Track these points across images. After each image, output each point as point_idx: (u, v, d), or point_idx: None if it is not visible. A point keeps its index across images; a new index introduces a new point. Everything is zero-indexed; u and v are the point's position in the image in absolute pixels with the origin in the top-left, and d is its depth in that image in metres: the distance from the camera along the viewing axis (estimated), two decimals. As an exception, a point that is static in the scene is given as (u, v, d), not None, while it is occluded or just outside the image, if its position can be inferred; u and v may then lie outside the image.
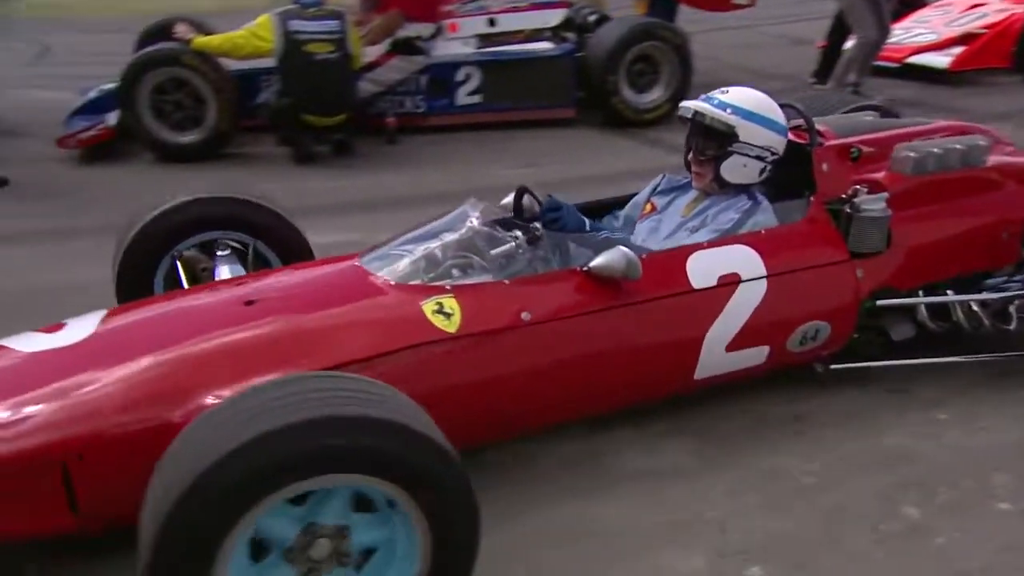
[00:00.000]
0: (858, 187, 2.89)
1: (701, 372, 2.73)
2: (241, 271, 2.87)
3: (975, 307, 3.07)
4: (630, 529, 2.43)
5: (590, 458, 2.74)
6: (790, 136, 2.99)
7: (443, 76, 6.64)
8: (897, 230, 2.93)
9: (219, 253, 2.95)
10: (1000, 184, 3.13)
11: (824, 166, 2.96)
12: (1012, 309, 3.11)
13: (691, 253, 2.69)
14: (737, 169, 2.87)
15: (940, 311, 3.10)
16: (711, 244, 2.73)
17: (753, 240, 2.77)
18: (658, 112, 6.93)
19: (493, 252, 2.55)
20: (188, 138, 5.97)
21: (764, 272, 2.72)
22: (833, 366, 3.01)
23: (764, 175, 2.92)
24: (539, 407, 2.52)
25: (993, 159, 3.16)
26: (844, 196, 2.91)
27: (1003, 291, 3.10)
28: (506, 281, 2.49)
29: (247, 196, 3.04)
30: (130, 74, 5.84)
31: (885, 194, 2.87)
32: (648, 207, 3.09)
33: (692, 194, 3.02)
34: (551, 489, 2.59)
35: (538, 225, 2.61)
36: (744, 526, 2.44)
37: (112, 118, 6.05)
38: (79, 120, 6.19)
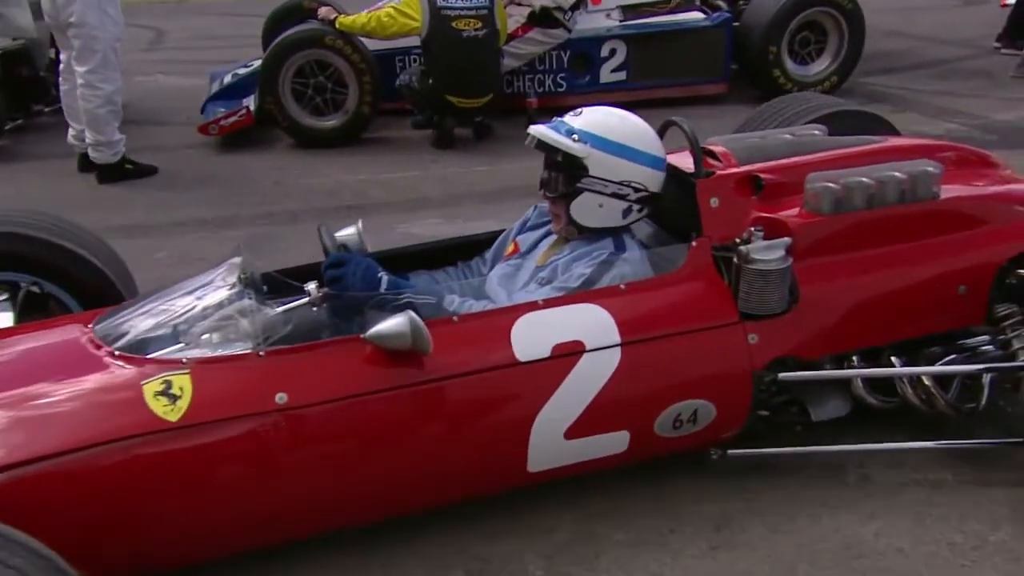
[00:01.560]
0: (753, 229, 2.38)
1: (537, 463, 2.26)
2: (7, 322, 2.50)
3: (927, 381, 2.51)
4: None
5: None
6: (678, 163, 2.52)
7: (586, 51, 6.50)
8: (807, 285, 2.40)
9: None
10: (960, 222, 2.57)
11: (712, 201, 2.45)
12: (984, 381, 2.53)
13: (521, 315, 2.24)
14: (590, 210, 2.40)
15: (883, 383, 2.56)
16: (549, 303, 2.27)
17: (607, 298, 2.29)
18: (825, 85, 6.70)
19: (259, 316, 2.15)
20: (330, 123, 5.99)
21: (617, 339, 2.25)
22: (733, 451, 2.50)
23: (632, 217, 2.44)
24: (292, 514, 2.10)
25: (955, 190, 2.60)
26: (737, 240, 2.40)
27: (969, 360, 2.54)
28: (261, 352, 2.08)
29: (22, 228, 2.65)
30: (273, 57, 5.85)
31: (786, 240, 2.35)
32: (511, 247, 2.67)
33: (552, 238, 2.57)
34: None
35: (311, 288, 2.19)
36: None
37: (250, 102, 6.07)
38: (216, 106, 6.24)
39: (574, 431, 2.24)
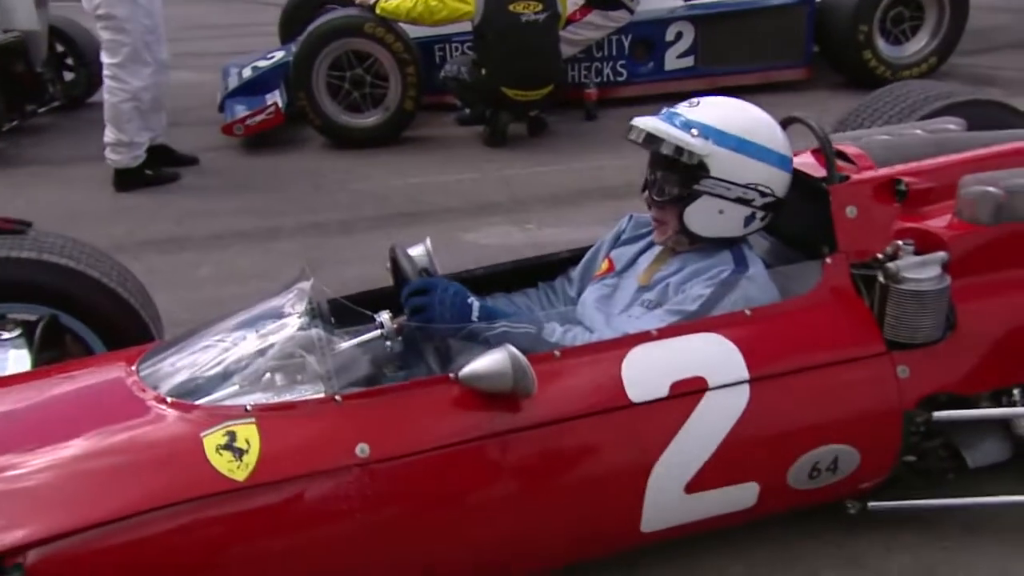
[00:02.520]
0: (901, 243, 2.22)
1: (651, 523, 2.12)
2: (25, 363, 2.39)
3: None
4: None
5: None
6: (801, 166, 2.36)
7: (649, 35, 6.42)
8: (964, 308, 2.24)
9: (3, 336, 2.49)
10: None
11: (849, 210, 2.29)
12: None
13: (632, 348, 2.09)
14: (709, 217, 2.25)
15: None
16: (664, 334, 2.12)
17: (731, 326, 2.14)
18: (922, 68, 6.57)
19: (331, 353, 2.03)
20: (369, 120, 5.90)
21: (745, 375, 2.10)
22: (873, 504, 2.33)
23: (754, 226, 2.28)
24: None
25: None
26: (880, 256, 2.24)
27: None
28: (338, 398, 1.95)
29: (33, 252, 2.55)
30: (306, 47, 5.75)
31: (942, 255, 2.18)
32: (605, 265, 2.53)
33: (655, 251, 2.42)
34: None
35: (385, 319, 2.06)
36: None
37: (276, 98, 5.98)
38: (236, 103, 6.15)
39: (697, 484, 2.09)
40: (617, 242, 2.56)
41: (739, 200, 2.23)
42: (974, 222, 2.28)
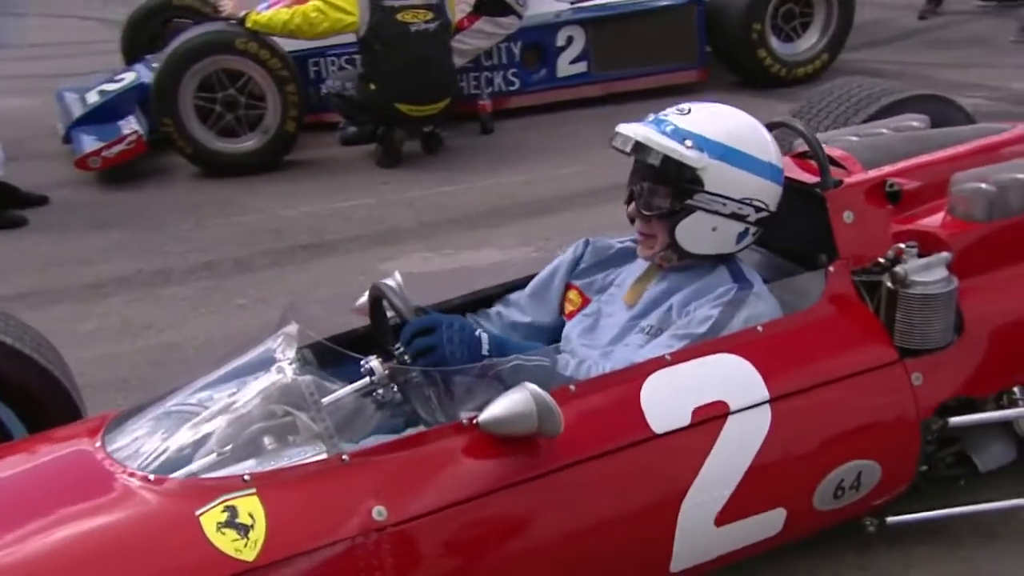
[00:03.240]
0: (903, 245, 2.30)
1: (682, 560, 2.12)
2: None
3: None
4: None
5: None
6: (791, 172, 2.42)
7: (539, 41, 6.48)
8: (969, 308, 2.33)
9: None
10: None
11: (846, 215, 2.37)
12: None
13: (648, 375, 2.09)
14: (701, 234, 2.27)
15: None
16: (678, 358, 2.12)
17: (745, 345, 2.16)
18: (816, 65, 6.91)
19: (325, 403, 1.94)
20: (247, 145, 5.75)
21: (766, 394, 2.13)
22: (892, 519, 2.40)
23: (745, 242, 2.32)
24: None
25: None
26: (882, 261, 2.32)
27: None
28: (344, 457, 1.87)
29: None
30: (169, 68, 5.55)
31: (946, 255, 2.28)
32: (576, 297, 2.50)
33: (639, 266, 2.43)
34: None
35: (375, 365, 1.99)
36: None
37: (132, 125, 5.72)
38: (86, 132, 5.82)
39: (726, 515, 2.11)
40: (575, 272, 2.54)
41: (733, 216, 2.25)
42: (968, 219, 2.40)
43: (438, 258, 4.30)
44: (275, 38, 5.61)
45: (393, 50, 5.41)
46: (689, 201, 2.24)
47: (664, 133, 2.24)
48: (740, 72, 6.93)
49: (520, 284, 2.59)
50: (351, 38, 5.62)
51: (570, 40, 6.54)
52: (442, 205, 5.06)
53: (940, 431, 2.32)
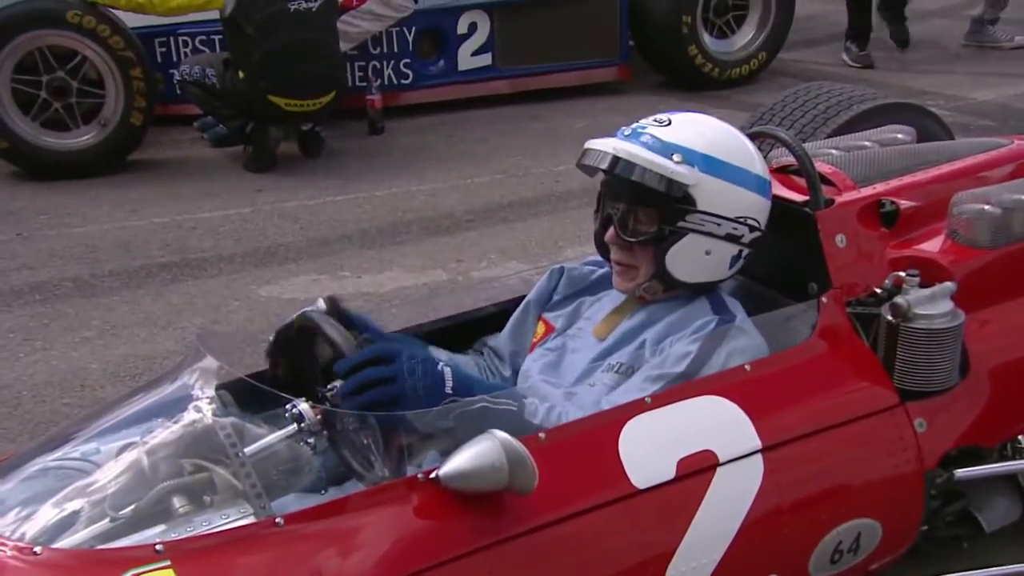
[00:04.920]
0: (902, 273, 2.40)
1: (663, 637, 2.16)
2: None
3: None
4: None
5: None
6: (776, 190, 2.50)
7: (437, 27, 6.52)
8: (975, 345, 2.46)
9: None
10: None
11: (839, 239, 2.46)
12: None
13: (625, 422, 2.13)
14: (694, 260, 2.33)
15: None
16: (659, 401, 2.17)
17: (732, 386, 2.23)
18: (752, 65, 7.14)
19: (249, 454, 1.94)
20: (81, 141, 5.64)
21: (757, 443, 2.20)
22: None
23: (736, 267, 2.40)
24: None
25: None
26: (879, 291, 2.43)
27: None
28: (279, 520, 1.85)
29: None
30: None
31: (950, 284, 2.39)
32: (541, 328, 2.55)
33: (616, 297, 2.48)
34: None
35: (303, 409, 1.99)
36: None
37: None
38: None
39: (715, 582, 2.15)
40: (547, 304, 2.59)
41: (728, 237, 2.32)
42: (971, 245, 2.52)
43: (332, 282, 4.27)
44: (116, 11, 5.54)
45: (267, 32, 5.38)
46: (681, 223, 2.30)
47: (649, 148, 2.29)
48: (667, 71, 7.13)
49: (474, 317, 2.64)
50: (212, 14, 5.59)
51: (473, 27, 6.63)
52: (332, 218, 5.05)
53: (945, 484, 2.41)
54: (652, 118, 2.37)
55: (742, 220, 2.33)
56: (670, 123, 2.34)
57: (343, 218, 5.05)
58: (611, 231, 2.37)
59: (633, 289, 2.41)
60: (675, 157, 2.27)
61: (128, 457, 1.98)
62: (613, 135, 2.36)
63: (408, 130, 6.24)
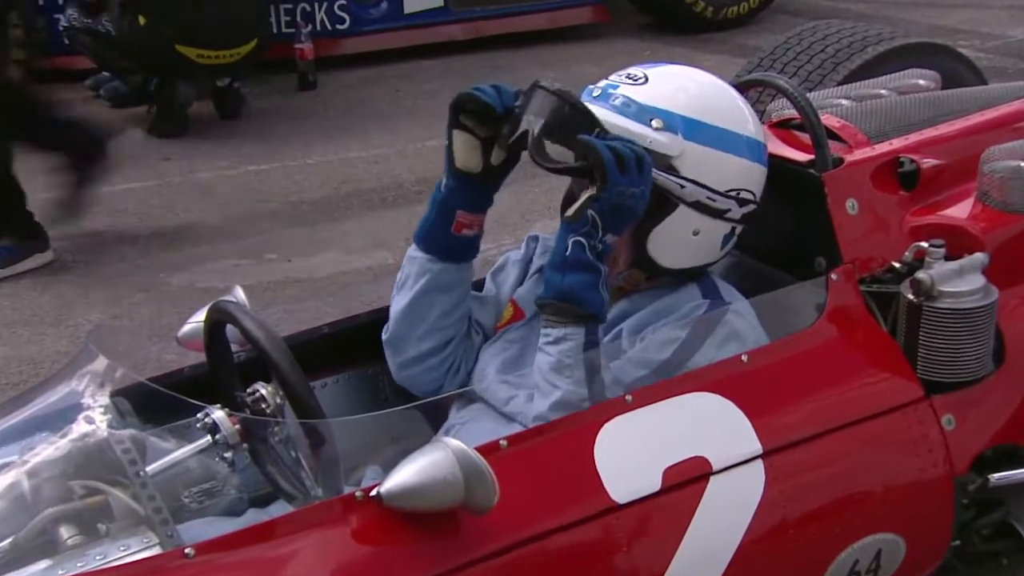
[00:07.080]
0: (925, 244, 2.44)
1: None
2: None
3: None
4: None
5: None
6: (774, 148, 2.55)
7: None
8: (1010, 328, 2.50)
9: None
10: None
11: (850, 205, 2.50)
12: None
13: (602, 425, 2.17)
14: (680, 242, 2.37)
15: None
16: (641, 399, 2.20)
17: (728, 380, 2.28)
18: (750, 3, 7.22)
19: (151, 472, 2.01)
20: None
21: (757, 447, 2.24)
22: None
23: (729, 246, 2.44)
24: None
25: None
26: (898, 265, 2.47)
27: None
28: (188, 551, 1.88)
29: None
30: None
31: (981, 256, 2.43)
32: (509, 310, 2.58)
33: None
34: None
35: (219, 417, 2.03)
36: None
37: None
38: None
39: (709, 610, 2.20)
40: (529, 274, 2.61)
41: (716, 213, 2.35)
42: (1005, 209, 2.56)
43: (256, 267, 4.31)
44: None
45: None
46: (663, 201, 2.31)
47: (621, 113, 2.30)
48: (652, 10, 7.23)
49: None
50: None
51: None
52: (254, 191, 5.10)
53: (979, 491, 2.46)
54: (625, 73, 2.40)
55: (733, 193, 2.36)
56: (646, 80, 2.36)
57: (268, 190, 5.10)
58: None
59: (613, 280, 2.42)
60: (654, 123, 2.29)
61: (3, 480, 2.00)
62: (583, 92, 2.38)
63: (345, 85, 6.33)
